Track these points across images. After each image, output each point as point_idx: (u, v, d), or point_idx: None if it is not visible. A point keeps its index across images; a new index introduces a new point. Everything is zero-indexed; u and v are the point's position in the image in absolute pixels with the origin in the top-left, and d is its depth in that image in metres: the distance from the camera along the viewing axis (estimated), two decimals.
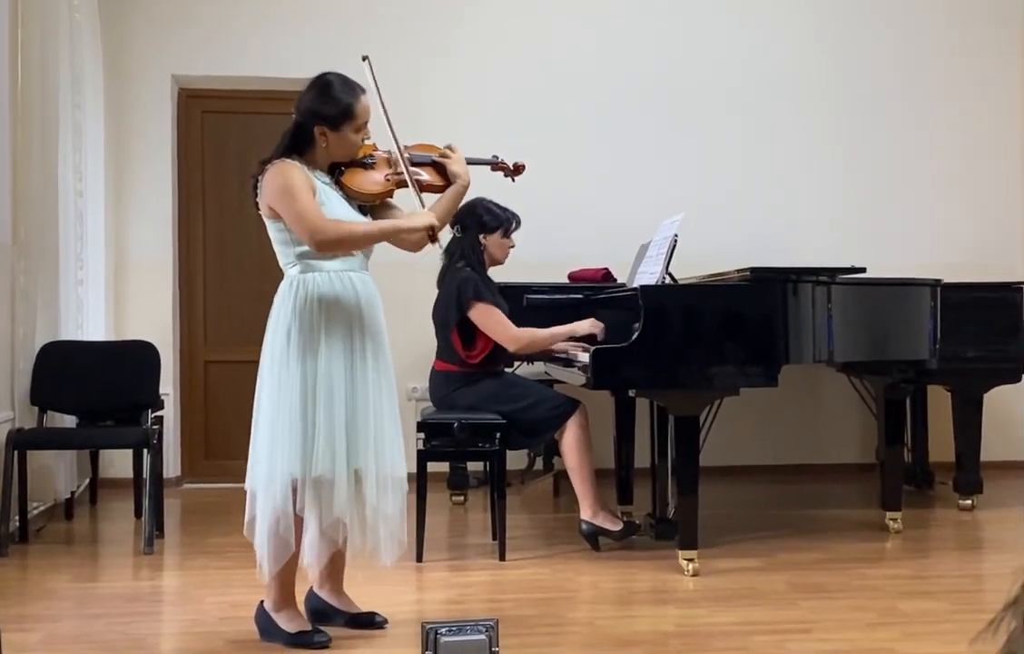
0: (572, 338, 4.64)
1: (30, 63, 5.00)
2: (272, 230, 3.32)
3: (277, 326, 3.27)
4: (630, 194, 6.49)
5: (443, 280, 4.79)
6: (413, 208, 3.39)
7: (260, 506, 3.21)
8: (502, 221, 4.80)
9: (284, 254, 3.33)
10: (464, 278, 4.64)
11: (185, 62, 6.44)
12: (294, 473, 3.19)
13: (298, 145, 3.31)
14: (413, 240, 3.42)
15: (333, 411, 3.22)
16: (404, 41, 6.46)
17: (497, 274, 4.95)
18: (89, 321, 5.83)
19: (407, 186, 3.39)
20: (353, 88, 3.32)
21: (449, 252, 4.78)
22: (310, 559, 3.35)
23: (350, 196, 3.37)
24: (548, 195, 6.02)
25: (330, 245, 3.22)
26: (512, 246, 4.89)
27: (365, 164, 3.40)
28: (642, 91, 6.63)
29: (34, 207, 5.01)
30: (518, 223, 4.86)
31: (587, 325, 4.62)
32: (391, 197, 3.48)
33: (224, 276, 6.53)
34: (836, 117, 6.76)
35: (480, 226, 4.76)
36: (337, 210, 3.28)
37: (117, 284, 6.31)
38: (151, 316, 6.27)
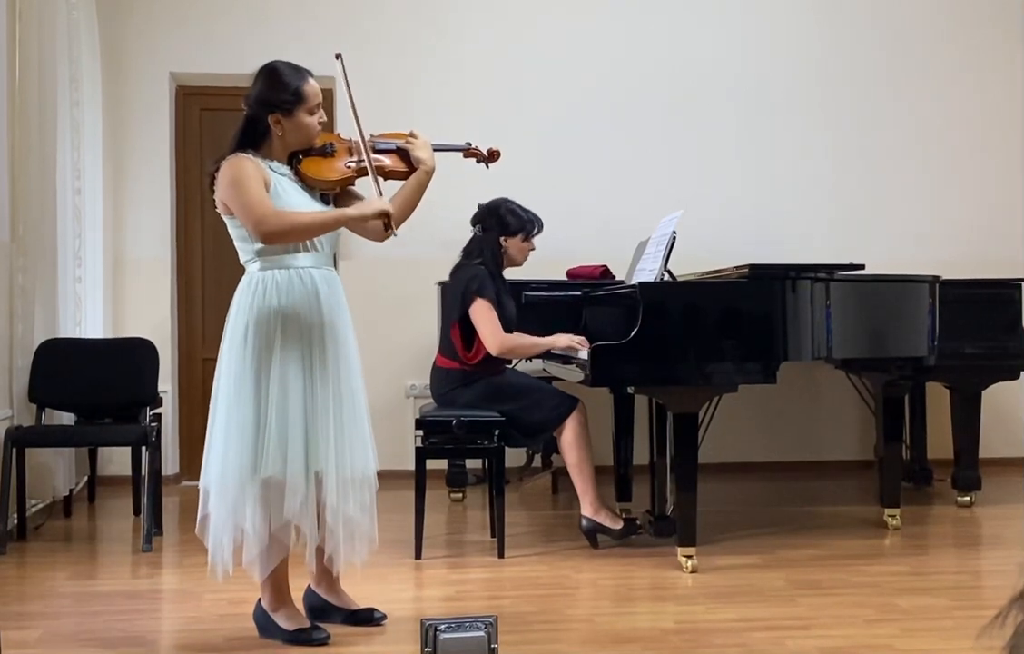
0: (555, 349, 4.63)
1: (28, 60, 5.00)
2: (230, 226, 3.29)
3: (235, 324, 3.24)
4: (629, 191, 6.49)
5: (455, 274, 4.77)
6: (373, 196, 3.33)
7: (213, 505, 3.18)
8: (524, 223, 4.76)
9: (243, 250, 3.31)
10: (474, 274, 4.62)
11: (183, 60, 6.44)
12: (244, 473, 3.15)
13: (252, 138, 3.28)
14: (369, 228, 3.36)
15: (287, 413, 3.17)
16: (400, 38, 6.45)
17: None
18: (87, 318, 5.83)
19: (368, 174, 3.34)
20: (300, 71, 3.31)
21: (468, 250, 4.76)
22: (250, 558, 3.22)
23: (310, 186, 3.33)
24: (546, 192, 6.00)
25: (275, 236, 3.16)
26: (532, 249, 4.86)
27: (325, 152, 3.36)
28: (641, 88, 6.63)
29: (32, 204, 5.01)
30: (540, 227, 4.83)
31: (566, 339, 4.54)
32: (352, 185, 3.42)
33: (222, 273, 6.50)
34: (835, 114, 6.75)
35: (502, 227, 4.73)
36: (295, 201, 3.24)
37: (115, 281, 6.31)
38: (149, 313, 6.27)
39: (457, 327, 4.63)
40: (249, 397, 3.17)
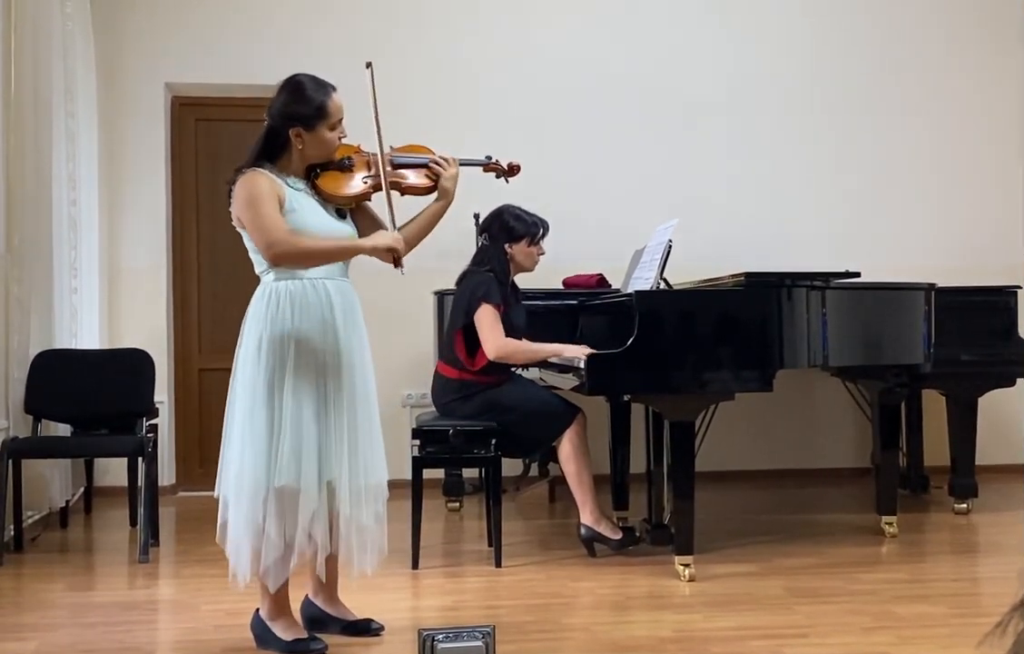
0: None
1: (23, 71, 5.00)
2: (245, 239, 3.31)
3: (249, 333, 3.25)
4: (624, 200, 6.50)
5: (462, 281, 4.73)
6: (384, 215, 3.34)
7: (232, 513, 3.19)
8: (529, 227, 4.72)
9: (259, 261, 3.31)
10: (480, 281, 4.59)
11: (178, 70, 6.44)
12: (259, 481, 3.16)
13: (271, 151, 3.29)
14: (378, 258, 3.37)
15: (301, 422, 3.18)
16: (396, 46, 6.46)
17: None
18: (83, 329, 5.82)
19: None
20: (324, 86, 3.30)
21: (477, 260, 4.74)
22: (265, 566, 3.20)
23: (326, 200, 3.33)
24: (542, 201, 5.99)
25: (285, 259, 3.18)
26: (542, 253, 4.81)
27: (343, 166, 3.35)
28: (637, 96, 6.64)
29: (28, 215, 5.01)
30: (546, 230, 4.79)
31: (573, 350, 4.42)
32: (369, 200, 3.42)
33: (218, 283, 6.52)
34: (831, 120, 6.77)
35: (508, 234, 4.69)
36: (309, 217, 3.24)
37: (111, 292, 6.31)
38: (145, 324, 6.27)
39: (461, 334, 4.60)
40: (263, 406, 3.19)
